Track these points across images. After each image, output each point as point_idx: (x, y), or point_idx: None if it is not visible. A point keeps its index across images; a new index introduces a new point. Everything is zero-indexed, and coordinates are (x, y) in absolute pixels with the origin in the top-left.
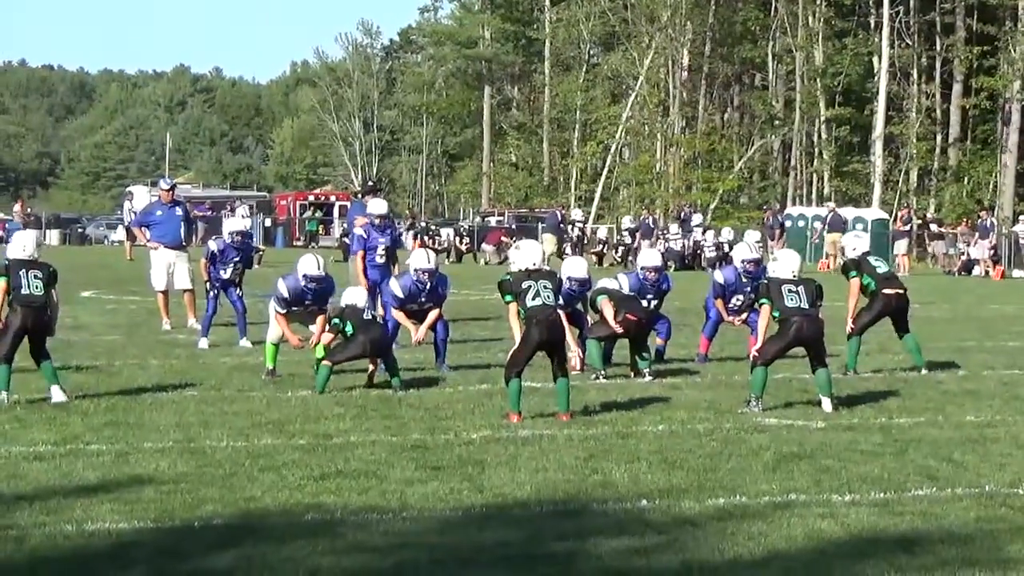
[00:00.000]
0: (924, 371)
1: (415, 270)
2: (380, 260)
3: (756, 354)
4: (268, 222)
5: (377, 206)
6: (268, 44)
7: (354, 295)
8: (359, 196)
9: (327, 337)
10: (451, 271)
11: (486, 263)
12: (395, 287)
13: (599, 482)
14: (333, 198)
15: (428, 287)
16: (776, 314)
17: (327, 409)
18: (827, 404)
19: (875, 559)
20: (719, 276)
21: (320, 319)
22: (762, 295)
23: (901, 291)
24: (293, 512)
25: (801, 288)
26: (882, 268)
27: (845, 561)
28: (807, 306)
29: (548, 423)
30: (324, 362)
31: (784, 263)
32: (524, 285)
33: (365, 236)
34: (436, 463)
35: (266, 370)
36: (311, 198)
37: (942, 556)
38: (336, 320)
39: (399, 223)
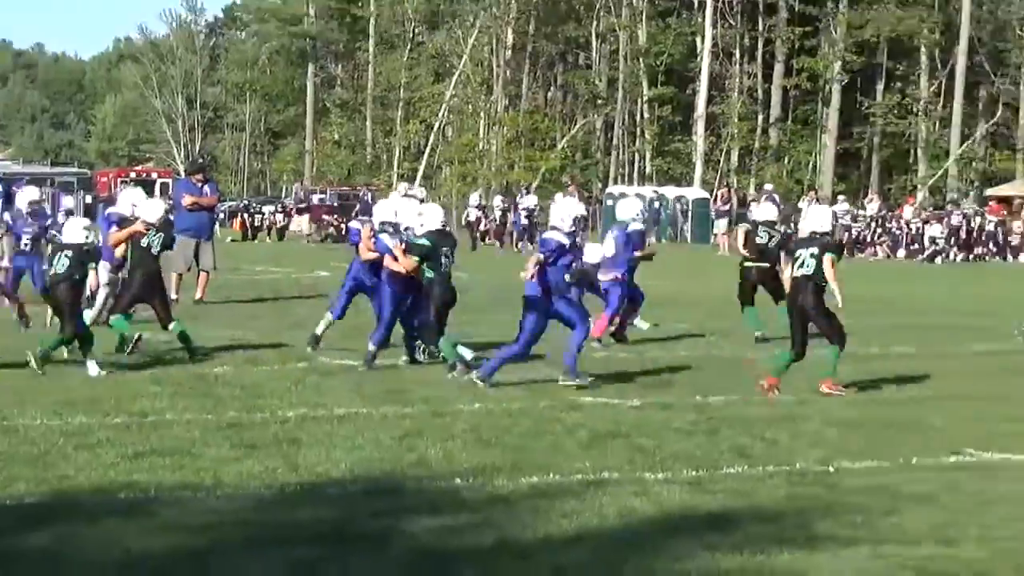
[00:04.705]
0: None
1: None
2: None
3: None
4: (89, 199)
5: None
6: (91, 19)
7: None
8: (184, 174)
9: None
10: (272, 249)
11: (308, 241)
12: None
13: (414, 461)
14: (155, 175)
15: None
16: None
17: (143, 387)
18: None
19: (687, 536)
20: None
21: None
22: None
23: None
24: (107, 491)
25: None
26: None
27: (657, 538)
28: None
29: (364, 401)
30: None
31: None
32: None
33: None
34: (251, 441)
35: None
36: (132, 175)
37: (752, 533)
38: None
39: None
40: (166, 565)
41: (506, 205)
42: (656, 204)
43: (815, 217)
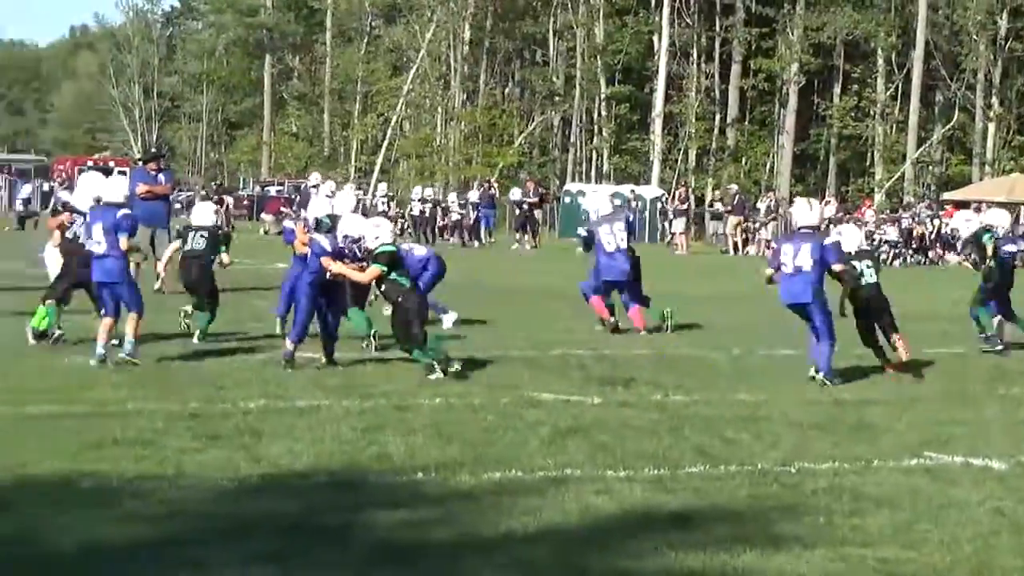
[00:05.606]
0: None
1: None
2: None
3: None
4: (46, 187)
5: None
6: (47, 6)
7: None
8: (140, 162)
9: None
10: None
11: (265, 232)
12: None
13: (375, 454)
14: (112, 164)
15: None
16: None
17: (104, 377)
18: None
19: (648, 535)
20: None
21: None
22: None
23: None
24: (68, 479)
25: None
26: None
27: (619, 536)
28: None
29: (326, 394)
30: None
31: None
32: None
33: None
34: (213, 432)
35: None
36: (90, 163)
37: (714, 533)
38: None
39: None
40: (126, 555)
41: (434, 200)
42: (633, 203)
43: (852, 236)
